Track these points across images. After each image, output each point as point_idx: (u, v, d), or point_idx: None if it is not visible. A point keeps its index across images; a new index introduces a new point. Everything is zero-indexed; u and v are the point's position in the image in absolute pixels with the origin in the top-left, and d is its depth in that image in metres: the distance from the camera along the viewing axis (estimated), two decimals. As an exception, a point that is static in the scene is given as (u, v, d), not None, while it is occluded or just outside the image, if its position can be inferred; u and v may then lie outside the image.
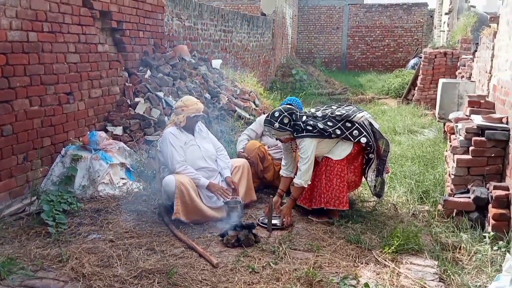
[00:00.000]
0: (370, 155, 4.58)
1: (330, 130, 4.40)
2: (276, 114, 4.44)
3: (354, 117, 4.47)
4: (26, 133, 4.72)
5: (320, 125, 4.40)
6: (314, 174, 4.50)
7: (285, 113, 4.42)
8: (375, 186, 4.71)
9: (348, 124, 4.46)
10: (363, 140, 4.44)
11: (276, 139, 4.61)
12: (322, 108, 4.73)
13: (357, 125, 4.47)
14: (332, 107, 4.75)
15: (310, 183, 4.45)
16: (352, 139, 4.45)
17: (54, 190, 4.72)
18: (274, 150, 5.30)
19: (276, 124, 4.39)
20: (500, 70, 5.32)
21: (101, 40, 5.98)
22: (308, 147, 4.37)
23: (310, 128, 4.39)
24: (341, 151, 4.50)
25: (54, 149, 5.16)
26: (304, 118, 4.48)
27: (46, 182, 4.92)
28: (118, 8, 6.20)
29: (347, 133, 4.43)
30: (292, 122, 4.41)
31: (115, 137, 5.79)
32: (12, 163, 4.56)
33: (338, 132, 4.42)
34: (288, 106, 4.64)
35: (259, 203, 4.95)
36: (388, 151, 4.64)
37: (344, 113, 4.50)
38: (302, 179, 4.38)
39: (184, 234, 4.09)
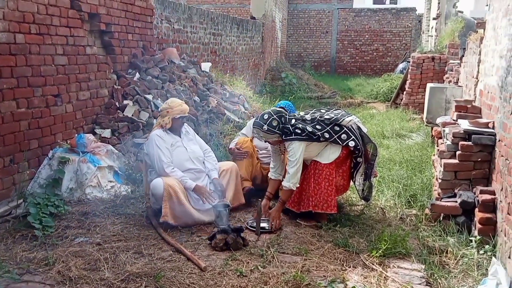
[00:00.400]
0: (358, 159, 4.60)
1: (319, 133, 4.42)
2: (265, 116, 4.45)
3: (342, 121, 4.50)
4: (13, 135, 4.68)
5: (309, 128, 4.42)
6: (302, 178, 4.51)
7: (274, 116, 4.43)
8: (363, 190, 4.73)
9: (337, 128, 4.48)
10: (351, 143, 4.47)
11: (265, 141, 4.62)
12: (311, 112, 4.75)
13: (345, 129, 4.49)
14: (321, 110, 4.77)
15: (298, 186, 4.46)
16: (340, 143, 4.47)
17: (41, 193, 4.68)
18: (264, 154, 5.30)
19: (265, 127, 4.40)
20: (486, 75, 5.37)
21: (90, 43, 5.95)
22: (297, 150, 4.38)
23: (299, 131, 4.40)
24: (330, 154, 4.52)
25: (42, 151, 5.12)
26: (293, 121, 4.49)
27: (33, 184, 4.88)
28: (106, 10, 6.17)
29: (335, 136, 4.45)
30: (281, 125, 4.42)
31: (103, 140, 5.76)
32: (-2, 165, 4.52)
33: (327, 135, 4.44)
34: (278, 109, 4.64)
35: (247, 206, 4.94)
36: (376, 155, 4.67)
37: (333, 117, 4.52)
38: (291, 181, 4.39)
39: (172, 237, 4.08)
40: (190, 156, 4.59)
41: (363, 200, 4.85)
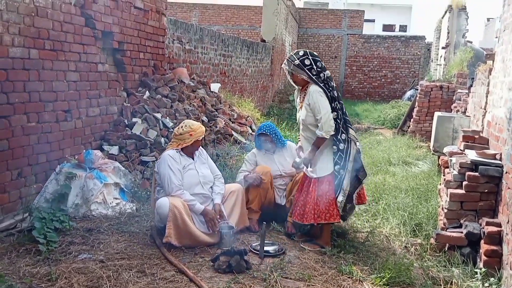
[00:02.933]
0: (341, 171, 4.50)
1: (334, 105, 4.40)
2: (301, 53, 4.47)
3: (351, 131, 4.51)
4: (21, 149, 4.71)
5: (333, 94, 4.43)
6: (305, 191, 4.54)
7: (309, 56, 4.45)
8: (343, 208, 4.61)
9: (343, 127, 4.48)
10: (341, 146, 4.45)
11: (290, 78, 4.57)
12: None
13: (348, 136, 4.47)
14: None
15: (332, 132, 4.39)
16: (334, 134, 4.42)
17: (46, 207, 4.69)
18: (280, 185, 5.23)
19: (297, 61, 4.42)
20: (494, 106, 5.39)
21: (102, 60, 6.03)
22: (320, 98, 4.35)
23: (325, 87, 4.42)
24: (328, 164, 4.48)
25: (49, 166, 5.15)
26: (323, 77, 4.47)
27: (39, 199, 4.90)
28: (120, 29, 6.27)
29: (340, 126, 4.43)
30: (313, 67, 4.43)
31: (111, 157, 5.79)
32: (6, 178, 4.55)
33: (335, 116, 4.40)
34: (315, 53, 4.60)
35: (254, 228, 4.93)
36: (361, 182, 4.62)
37: (349, 119, 4.56)
38: (324, 130, 4.34)
39: (175, 257, 4.07)
40: (200, 180, 4.57)
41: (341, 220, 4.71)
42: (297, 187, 4.87)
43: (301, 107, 4.56)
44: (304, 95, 4.51)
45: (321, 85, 4.40)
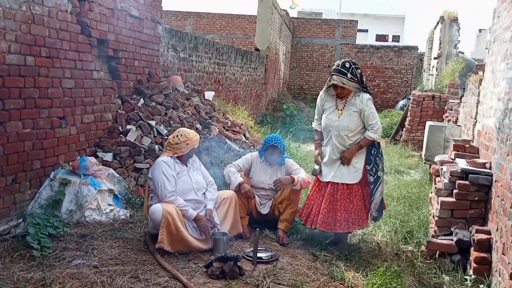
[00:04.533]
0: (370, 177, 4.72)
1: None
2: (347, 65, 4.58)
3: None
4: (16, 155, 4.73)
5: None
6: (333, 200, 4.67)
7: (355, 66, 4.61)
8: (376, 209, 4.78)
9: None
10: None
11: (340, 87, 4.62)
12: None
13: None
14: None
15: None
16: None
17: (40, 213, 4.70)
18: (260, 191, 5.27)
19: (349, 75, 4.54)
20: (485, 116, 5.47)
21: (97, 67, 6.06)
22: (372, 105, 4.67)
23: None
24: (356, 172, 4.70)
25: (43, 172, 5.17)
26: (366, 84, 4.79)
27: (33, 204, 4.91)
28: (115, 37, 6.31)
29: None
30: (362, 77, 4.65)
31: (105, 163, 5.82)
32: (0, 184, 4.56)
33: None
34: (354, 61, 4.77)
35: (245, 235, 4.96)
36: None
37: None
38: (377, 133, 4.69)
39: (169, 263, 4.09)
40: (193, 187, 4.61)
41: (373, 220, 4.91)
42: (289, 196, 4.95)
43: (341, 114, 4.69)
44: (345, 103, 4.69)
45: (370, 92, 4.70)
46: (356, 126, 4.66)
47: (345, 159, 4.67)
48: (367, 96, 4.66)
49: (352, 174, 4.69)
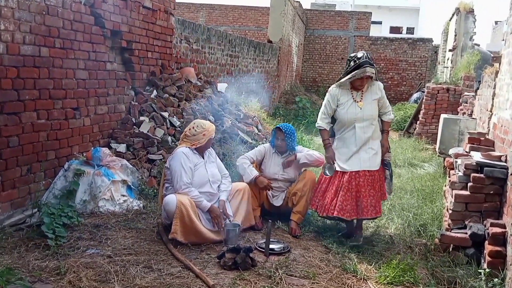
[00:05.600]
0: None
1: None
2: (369, 55, 4.68)
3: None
4: (31, 146, 4.78)
5: None
6: (353, 188, 4.66)
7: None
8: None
9: None
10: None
11: (363, 79, 4.67)
12: None
13: None
14: None
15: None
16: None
17: (55, 203, 4.76)
18: (273, 183, 5.26)
19: (372, 63, 4.66)
20: (500, 109, 5.41)
21: (110, 59, 6.09)
22: (384, 91, 4.88)
23: None
24: (375, 155, 4.76)
25: (58, 162, 5.21)
26: None
27: (48, 195, 4.96)
28: (128, 28, 6.32)
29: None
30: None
31: (118, 154, 5.85)
32: (16, 174, 4.61)
33: None
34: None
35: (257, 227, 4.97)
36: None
37: None
38: (393, 114, 5.05)
39: (181, 254, 4.12)
40: (209, 179, 4.63)
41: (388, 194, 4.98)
42: (302, 188, 4.96)
43: (362, 105, 4.72)
44: (362, 94, 4.74)
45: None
46: (377, 113, 4.79)
47: (386, 149, 4.84)
48: (379, 83, 4.85)
49: (373, 157, 4.71)
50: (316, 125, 4.91)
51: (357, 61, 4.59)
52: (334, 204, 4.64)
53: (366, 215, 4.66)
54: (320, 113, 4.87)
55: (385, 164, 4.82)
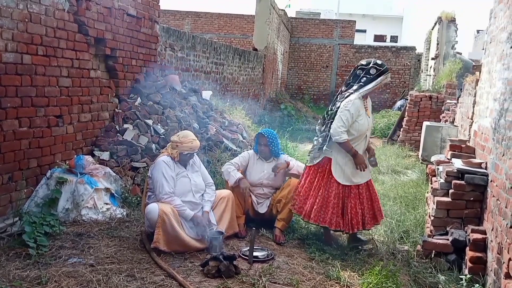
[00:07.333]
0: None
1: None
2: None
3: None
4: (13, 154, 4.73)
5: None
6: (358, 199, 4.75)
7: None
8: None
9: None
10: None
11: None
12: None
13: None
14: None
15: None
16: None
17: (37, 212, 4.70)
18: (258, 189, 5.28)
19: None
20: (481, 116, 5.49)
21: (94, 66, 6.06)
22: None
23: None
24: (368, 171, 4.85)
25: (40, 170, 5.16)
26: None
27: (29, 203, 4.91)
28: (112, 36, 6.31)
29: None
30: None
31: (102, 162, 5.81)
32: (-3, 182, 4.56)
33: None
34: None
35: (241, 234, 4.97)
36: None
37: None
38: None
39: (165, 262, 4.10)
40: (192, 188, 4.61)
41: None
42: (287, 195, 4.98)
43: (369, 116, 4.78)
44: (366, 102, 4.77)
45: None
46: None
47: (373, 150, 4.93)
48: None
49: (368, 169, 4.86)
50: (340, 139, 4.54)
51: (380, 68, 4.63)
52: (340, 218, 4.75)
53: (367, 227, 4.84)
54: (339, 126, 4.54)
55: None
